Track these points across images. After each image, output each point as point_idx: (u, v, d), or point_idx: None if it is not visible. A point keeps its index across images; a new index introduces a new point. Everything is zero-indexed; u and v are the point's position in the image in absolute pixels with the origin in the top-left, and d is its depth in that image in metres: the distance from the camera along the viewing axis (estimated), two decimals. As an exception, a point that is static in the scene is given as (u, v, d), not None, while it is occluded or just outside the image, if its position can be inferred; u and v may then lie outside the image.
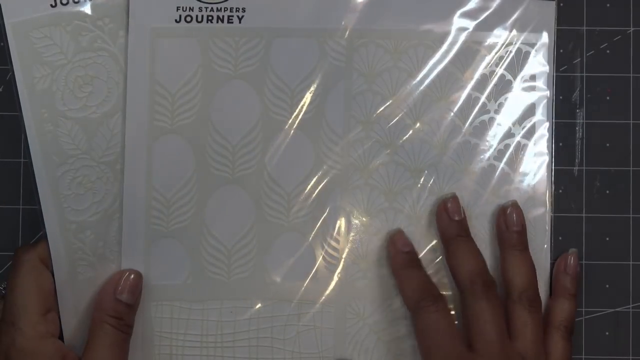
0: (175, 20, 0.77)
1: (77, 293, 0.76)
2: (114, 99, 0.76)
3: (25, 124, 0.74)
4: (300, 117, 0.78)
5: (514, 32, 0.80)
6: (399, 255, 0.76)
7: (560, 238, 0.81)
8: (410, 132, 0.79)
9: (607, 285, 0.82)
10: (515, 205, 0.77)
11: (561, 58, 0.82)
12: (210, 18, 0.77)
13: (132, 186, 0.77)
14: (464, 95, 0.80)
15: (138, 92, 0.77)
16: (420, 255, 0.79)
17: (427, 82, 0.79)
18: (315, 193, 0.79)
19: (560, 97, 0.82)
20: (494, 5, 0.80)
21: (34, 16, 0.74)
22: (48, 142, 0.75)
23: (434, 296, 0.74)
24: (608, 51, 0.82)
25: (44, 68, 0.75)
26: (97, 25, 0.75)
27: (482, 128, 0.80)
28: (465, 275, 0.74)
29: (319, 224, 0.79)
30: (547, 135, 0.80)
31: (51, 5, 0.74)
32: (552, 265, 0.80)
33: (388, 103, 0.79)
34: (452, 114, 0.80)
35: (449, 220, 0.76)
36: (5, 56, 0.75)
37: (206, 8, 0.77)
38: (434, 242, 0.80)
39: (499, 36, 0.80)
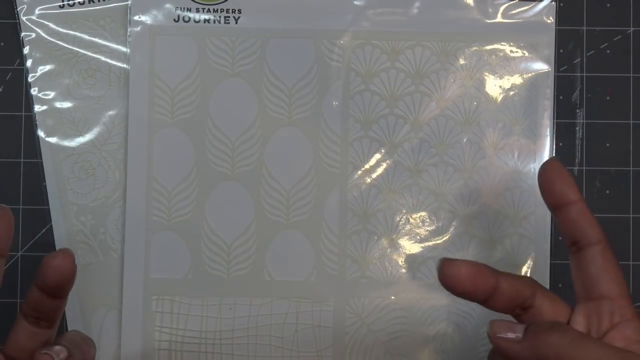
0: (174, 20, 0.76)
1: (79, 278, 0.72)
2: (115, 91, 0.76)
3: (34, 102, 0.76)
4: (298, 115, 0.76)
5: (514, 32, 0.76)
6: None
7: (560, 238, 0.77)
8: (410, 131, 0.76)
9: (607, 285, 0.76)
10: None
11: (561, 58, 0.78)
12: (207, 19, 0.76)
13: (134, 175, 0.75)
14: (463, 94, 0.76)
15: (139, 85, 0.76)
16: (419, 257, 0.76)
17: (425, 81, 0.76)
18: (315, 191, 0.76)
19: (560, 97, 0.78)
20: (493, 6, 0.76)
21: (44, 13, 0.76)
22: (54, 122, 0.76)
23: None
24: (608, 51, 0.78)
25: (52, 59, 0.76)
26: (99, 24, 0.76)
27: (482, 127, 0.76)
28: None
29: (318, 223, 0.76)
30: (547, 136, 0.76)
31: (60, 6, 0.76)
32: (552, 266, 0.77)
33: (386, 103, 0.76)
34: (451, 113, 0.76)
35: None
36: (5, 56, 0.77)
37: (203, 9, 0.76)
38: (435, 242, 0.76)
39: (499, 36, 0.76)
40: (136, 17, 0.75)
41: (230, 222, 0.75)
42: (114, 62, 0.76)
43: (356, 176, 0.76)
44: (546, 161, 0.56)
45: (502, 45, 0.76)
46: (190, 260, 0.75)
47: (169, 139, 0.75)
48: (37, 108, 0.76)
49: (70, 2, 0.76)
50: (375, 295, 0.75)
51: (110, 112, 0.76)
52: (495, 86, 0.76)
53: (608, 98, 0.78)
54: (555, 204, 0.55)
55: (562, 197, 0.54)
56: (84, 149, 0.76)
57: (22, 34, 0.76)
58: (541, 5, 0.76)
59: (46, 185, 0.76)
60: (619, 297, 0.53)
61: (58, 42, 0.76)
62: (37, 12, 0.76)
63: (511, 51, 0.76)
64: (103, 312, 0.75)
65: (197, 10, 0.75)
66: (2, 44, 0.77)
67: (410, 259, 0.76)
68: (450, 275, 0.53)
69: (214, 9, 0.75)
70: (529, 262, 0.75)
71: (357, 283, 0.75)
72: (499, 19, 0.76)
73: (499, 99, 0.76)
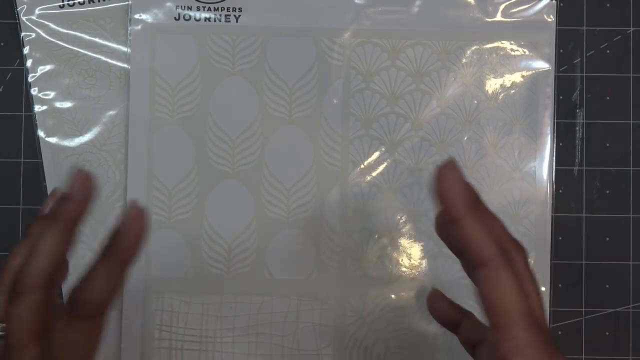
0: (175, 18, 0.76)
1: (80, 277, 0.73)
2: (115, 91, 0.77)
3: (34, 102, 0.76)
4: (298, 114, 0.76)
5: (515, 30, 0.76)
6: (466, 193, 0.51)
7: (560, 238, 0.77)
8: (410, 130, 0.76)
9: (607, 285, 0.78)
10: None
11: (561, 58, 0.78)
12: (207, 17, 0.76)
13: (134, 173, 0.75)
14: (463, 93, 0.76)
15: (139, 84, 0.76)
16: (423, 253, 0.76)
17: (425, 80, 0.76)
18: (315, 190, 0.76)
19: (560, 97, 0.78)
20: (494, 5, 0.76)
21: (44, 13, 0.76)
22: (54, 122, 0.77)
23: (509, 252, 0.52)
24: (608, 51, 0.79)
25: (52, 59, 0.76)
26: (99, 24, 0.77)
27: (482, 126, 0.76)
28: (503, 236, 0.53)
29: (318, 221, 0.76)
30: (547, 134, 0.76)
31: (60, 6, 0.76)
32: (552, 265, 0.77)
33: (387, 101, 0.76)
34: (451, 111, 0.76)
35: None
36: (5, 56, 0.77)
37: (204, 7, 0.76)
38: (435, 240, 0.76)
39: (499, 35, 0.76)
40: (137, 16, 0.75)
41: (230, 221, 0.75)
42: (114, 62, 0.76)
43: (356, 174, 0.76)
44: (439, 167, 0.51)
45: (502, 43, 0.76)
46: (190, 258, 0.75)
47: (169, 138, 0.75)
48: (37, 108, 0.76)
49: (70, 2, 0.76)
50: (376, 294, 0.75)
51: (110, 112, 0.76)
52: (495, 85, 0.76)
53: (608, 98, 0.78)
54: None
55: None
56: (84, 149, 0.76)
57: (22, 34, 0.76)
58: (541, 4, 0.76)
59: (46, 185, 0.76)
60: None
61: (58, 42, 0.76)
62: (37, 12, 0.76)
63: (511, 50, 0.76)
64: (103, 312, 0.75)
65: (198, 9, 0.75)
66: (2, 44, 0.77)
67: (410, 257, 0.76)
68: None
69: (214, 8, 0.75)
70: (529, 261, 0.75)
71: (358, 281, 0.75)
72: (499, 17, 0.76)
73: (500, 98, 0.76)
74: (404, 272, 0.75)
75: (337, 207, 0.75)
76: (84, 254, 0.75)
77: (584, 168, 0.78)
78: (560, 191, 0.77)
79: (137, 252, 0.52)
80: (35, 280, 0.49)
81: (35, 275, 0.49)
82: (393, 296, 0.75)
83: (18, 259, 0.52)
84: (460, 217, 0.49)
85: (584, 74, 0.78)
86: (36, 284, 0.49)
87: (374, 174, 0.76)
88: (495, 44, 0.76)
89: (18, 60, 0.77)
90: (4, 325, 0.50)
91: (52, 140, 0.76)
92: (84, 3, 0.76)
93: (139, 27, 0.75)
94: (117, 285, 0.51)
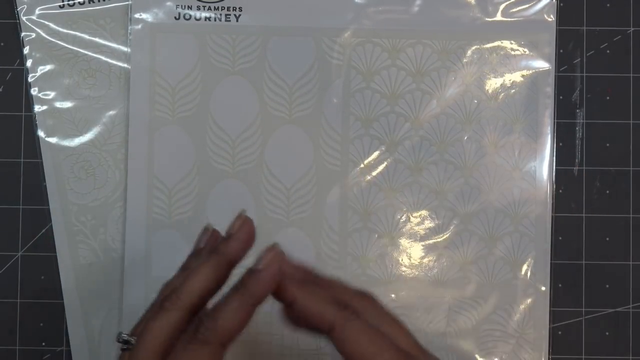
0: (175, 18, 0.76)
1: (80, 277, 0.75)
2: (115, 91, 0.77)
3: (34, 102, 0.76)
4: (298, 113, 0.76)
5: (515, 30, 0.77)
6: (296, 272, 0.57)
7: (560, 238, 0.77)
8: (410, 129, 0.76)
9: (607, 285, 0.78)
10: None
11: (561, 58, 0.78)
12: (208, 17, 0.76)
13: (134, 173, 0.75)
14: (464, 93, 0.76)
15: (139, 84, 0.76)
16: (423, 253, 0.77)
17: (425, 79, 0.76)
18: (315, 189, 0.76)
19: (560, 97, 0.78)
20: (494, 4, 0.77)
21: (44, 13, 0.76)
22: (54, 122, 0.77)
23: (351, 305, 0.54)
24: (608, 51, 0.79)
25: (52, 59, 0.76)
26: (99, 24, 0.77)
27: (482, 125, 0.76)
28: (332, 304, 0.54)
29: (318, 220, 0.76)
30: (547, 134, 0.77)
31: (60, 6, 0.76)
32: (553, 266, 0.77)
33: (387, 101, 0.76)
34: (452, 111, 0.76)
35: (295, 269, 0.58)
36: (5, 56, 0.77)
37: (204, 7, 0.76)
38: (436, 240, 0.76)
39: (499, 34, 0.77)
40: (137, 15, 0.75)
41: (230, 220, 0.74)
42: (114, 62, 0.76)
43: (356, 174, 0.76)
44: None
45: (502, 43, 0.76)
46: (190, 258, 0.74)
47: (169, 137, 0.75)
48: (37, 108, 0.76)
49: (70, 2, 0.76)
50: (376, 294, 0.74)
51: (110, 112, 0.76)
52: (496, 84, 0.76)
53: (608, 98, 0.78)
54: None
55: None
56: (84, 149, 0.76)
57: (22, 34, 0.76)
58: (541, 3, 0.76)
59: (46, 185, 0.76)
60: None
61: (58, 42, 0.76)
62: (37, 12, 0.76)
63: (512, 49, 0.76)
64: (103, 312, 0.75)
65: (198, 8, 0.75)
66: (2, 44, 0.77)
67: (410, 257, 0.76)
68: None
69: (214, 7, 0.75)
70: (529, 260, 0.75)
71: (358, 281, 0.75)
72: (499, 17, 0.76)
73: (500, 97, 0.76)
74: (404, 271, 0.75)
75: (337, 206, 0.75)
76: (84, 253, 0.75)
77: (584, 168, 0.78)
78: (560, 191, 0.77)
79: (269, 292, 0.53)
80: (182, 300, 0.52)
81: (183, 295, 0.52)
82: (393, 296, 0.75)
83: (178, 281, 0.55)
84: (293, 298, 0.53)
85: (584, 74, 0.78)
86: (181, 304, 0.52)
87: (374, 173, 0.76)
88: (496, 44, 0.76)
89: (18, 60, 0.76)
90: (135, 337, 0.53)
91: (52, 140, 0.76)
92: (84, 3, 0.76)
93: (139, 26, 0.75)
94: (244, 320, 0.52)
